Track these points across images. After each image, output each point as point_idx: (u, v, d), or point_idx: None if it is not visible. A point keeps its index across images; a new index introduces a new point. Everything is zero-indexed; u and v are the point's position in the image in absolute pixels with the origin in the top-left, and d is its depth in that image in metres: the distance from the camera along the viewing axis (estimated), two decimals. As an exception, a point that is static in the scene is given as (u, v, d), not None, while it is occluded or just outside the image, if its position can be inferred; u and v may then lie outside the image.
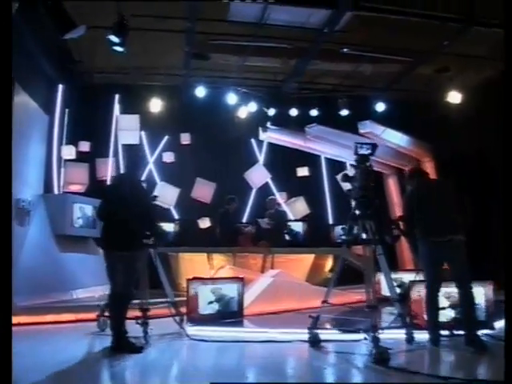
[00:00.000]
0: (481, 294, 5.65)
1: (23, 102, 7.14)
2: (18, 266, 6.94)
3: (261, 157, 12.39)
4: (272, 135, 11.42)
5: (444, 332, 5.37)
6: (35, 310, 6.59)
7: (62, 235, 8.18)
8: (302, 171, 12.11)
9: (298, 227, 11.55)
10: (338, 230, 11.66)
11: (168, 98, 11.10)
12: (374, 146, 5.15)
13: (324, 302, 5.40)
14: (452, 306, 5.64)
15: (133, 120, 10.50)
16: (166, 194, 11.18)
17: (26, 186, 7.50)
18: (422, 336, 5.32)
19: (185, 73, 10.79)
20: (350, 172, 5.35)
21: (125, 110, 11.10)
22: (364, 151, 5.12)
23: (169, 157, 11.72)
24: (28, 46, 7.56)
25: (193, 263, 9.04)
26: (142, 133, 11.36)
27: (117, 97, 11.14)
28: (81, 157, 10.14)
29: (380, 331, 4.67)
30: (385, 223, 5.42)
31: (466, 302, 5.13)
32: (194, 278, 8.50)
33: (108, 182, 5.78)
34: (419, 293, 5.73)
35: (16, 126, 6.58)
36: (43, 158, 8.40)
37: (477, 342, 4.88)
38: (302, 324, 5.59)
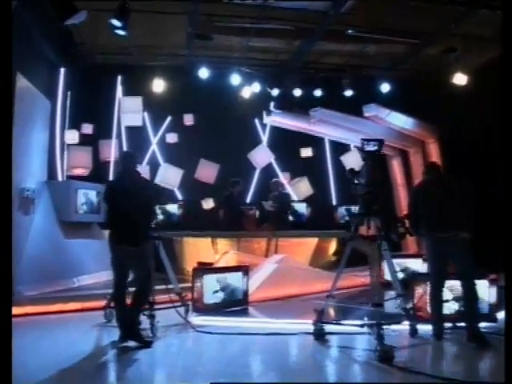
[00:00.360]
0: (484, 286, 5.68)
1: (24, 88, 7.06)
2: (24, 255, 7.02)
3: (264, 137, 12.34)
4: (276, 119, 11.36)
5: (447, 324, 5.45)
6: (42, 299, 6.66)
7: (66, 222, 8.20)
8: (306, 152, 12.07)
9: (302, 208, 11.61)
10: (342, 210, 11.75)
11: (171, 78, 10.96)
12: (380, 143, 5.10)
13: (328, 296, 5.43)
14: (455, 299, 5.70)
15: (136, 102, 10.41)
16: (170, 176, 11.19)
17: (30, 174, 7.48)
18: (425, 328, 5.40)
19: (188, 53, 10.65)
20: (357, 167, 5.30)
21: (127, 92, 11.01)
22: (371, 148, 5.08)
23: (172, 138, 11.68)
24: (28, 31, 7.44)
25: (197, 248, 9.10)
26: (145, 114, 11.33)
27: (119, 78, 11.01)
28: (84, 140, 10.11)
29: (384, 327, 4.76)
30: (391, 220, 5.37)
31: (469, 298, 5.17)
32: (199, 263, 8.67)
33: (108, 184, 5.69)
34: (423, 286, 5.75)
35: (18, 113, 6.64)
36: (46, 143, 8.36)
37: (479, 338, 4.93)
38: (306, 313, 5.72)
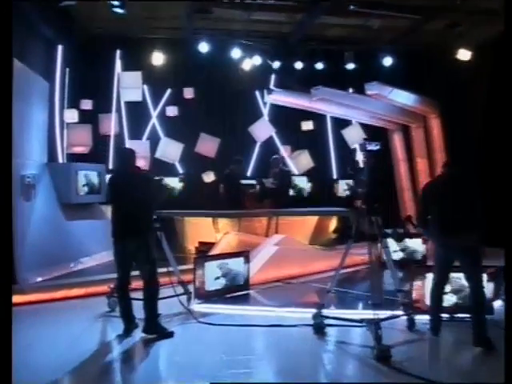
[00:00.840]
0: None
1: (20, 71, 6.94)
2: (27, 241, 7.08)
3: (265, 110, 12.23)
4: (276, 97, 11.29)
5: (445, 316, 5.58)
6: (46, 287, 6.77)
7: (67, 204, 8.25)
8: (307, 125, 12.00)
9: (302, 182, 11.65)
10: (342, 184, 11.79)
11: (170, 51, 10.81)
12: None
13: (328, 291, 5.52)
14: (454, 291, 5.78)
15: (135, 77, 10.28)
16: (170, 150, 11.18)
17: (30, 159, 7.45)
18: (422, 318, 5.52)
19: (187, 27, 10.42)
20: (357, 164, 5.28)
21: (126, 66, 10.85)
22: (372, 147, 5.06)
23: (172, 111, 11.58)
24: (23, 13, 7.27)
25: (198, 226, 9.17)
26: (145, 87, 11.19)
27: (118, 52, 10.81)
28: (83, 115, 10.02)
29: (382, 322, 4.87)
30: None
31: (475, 302, 5.08)
32: (200, 243, 8.78)
33: (108, 181, 5.67)
34: (421, 279, 5.82)
35: (15, 97, 6.55)
36: (45, 125, 8.26)
37: (486, 343, 4.89)
38: (306, 299, 5.98)
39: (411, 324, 5.47)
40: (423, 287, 5.79)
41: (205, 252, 8.45)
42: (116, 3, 7.39)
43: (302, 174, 11.64)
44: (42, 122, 8.10)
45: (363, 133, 11.47)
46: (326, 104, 10.56)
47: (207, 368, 4.49)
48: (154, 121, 11.65)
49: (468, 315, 5.29)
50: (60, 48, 9.16)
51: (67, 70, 9.53)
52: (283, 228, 9.19)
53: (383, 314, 5.12)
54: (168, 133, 11.51)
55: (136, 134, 11.34)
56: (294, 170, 11.74)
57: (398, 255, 8.83)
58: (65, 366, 4.49)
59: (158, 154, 11.06)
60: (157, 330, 5.22)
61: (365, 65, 11.05)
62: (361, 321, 5.12)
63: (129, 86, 10.13)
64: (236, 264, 6.94)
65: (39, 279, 7.07)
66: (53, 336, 5.36)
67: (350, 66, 11.07)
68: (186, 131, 11.38)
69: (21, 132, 6.96)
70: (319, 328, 5.41)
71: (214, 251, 8.17)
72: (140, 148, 10.69)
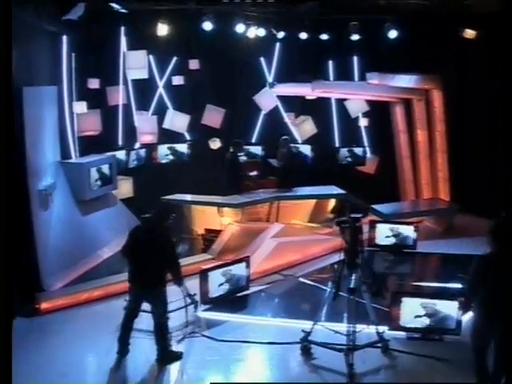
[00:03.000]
0: (454, 307, 6.44)
1: (31, 94, 7.29)
2: (48, 246, 7.79)
3: (270, 77, 12.33)
4: (278, 90, 11.49)
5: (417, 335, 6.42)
6: (70, 293, 7.58)
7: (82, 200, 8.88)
8: (311, 93, 12.14)
9: (306, 150, 12.08)
10: (344, 152, 12.22)
11: (175, 22, 10.72)
12: (366, 210, 5.59)
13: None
14: (427, 315, 6.52)
15: (140, 56, 10.35)
16: (177, 121, 11.55)
17: (45, 169, 7.95)
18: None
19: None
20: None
21: (131, 40, 10.84)
22: (356, 214, 5.57)
23: (178, 80, 11.75)
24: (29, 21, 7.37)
25: (204, 210, 9.82)
26: (150, 57, 11.28)
27: (122, 29, 10.78)
28: (91, 95, 10.26)
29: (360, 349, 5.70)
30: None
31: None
32: (206, 230, 9.52)
33: (130, 233, 6.07)
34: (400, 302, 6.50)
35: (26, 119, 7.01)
36: (56, 126, 8.67)
37: None
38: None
39: (385, 348, 6.20)
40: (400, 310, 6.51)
41: (211, 240, 9.25)
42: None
43: (306, 143, 12.02)
44: (54, 124, 8.49)
45: (365, 105, 11.75)
46: (328, 93, 10.68)
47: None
48: (161, 90, 11.85)
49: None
50: (65, 39, 9.22)
51: (73, 55, 9.64)
52: (284, 211, 9.86)
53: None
54: (175, 102, 11.77)
55: (143, 105, 11.60)
56: (298, 138, 12.13)
57: (390, 241, 9.61)
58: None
59: (165, 125, 11.45)
60: (169, 358, 5.99)
61: (369, 36, 10.98)
62: (339, 349, 5.93)
63: (134, 66, 10.23)
64: (238, 269, 7.68)
65: (63, 283, 7.86)
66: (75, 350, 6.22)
67: (355, 37, 10.99)
68: (192, 101, 11.65)
69: (33, 146, 7.42)
70: (306, 349, 6.25)
71: (219, 243, 8.95)
72: (147, 123, 11.19)
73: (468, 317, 6.70)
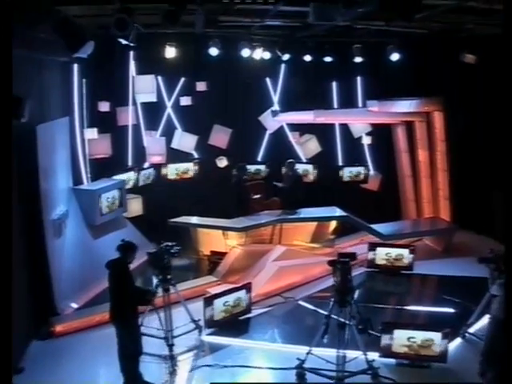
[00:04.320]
0: (438, 338, 6.79)
1: (44, 137, 7.72)
2: (63, 270, 8.27)
3: (275, 97, 12.68)
4: (281, 118, 11.92)
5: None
6: (83, 315, 8.05)
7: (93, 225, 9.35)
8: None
9: (309, 169, 12.42)
10: (347, 170, 12.54)
11: (182, 45, 11.10)
12: (353, 255, 6.01)
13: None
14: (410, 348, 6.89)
15: (149, 80, 10.81)
16: (185, 142, 11.99)
17: (59, 198, 8.44)
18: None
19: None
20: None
21: (140, 65, 11.24)
22: (343, 259, 5.98)
23: (186, 101, 12.13)
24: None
25: (210, 235, 10.25)
26: (159, 78, 11.70)
27: (131, 53, 11.18)
28: (102, 117, 10.68)
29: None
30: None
31: None
32: (212, 252, 9.94)
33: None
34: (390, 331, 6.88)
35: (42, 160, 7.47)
36: (69, 155, 9.13)
37: None
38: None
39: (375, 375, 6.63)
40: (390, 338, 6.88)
41: (216, 263, 9.68)
42: (119, 34, 7.70)
43: (308, 162, 12.38)
44: (66, 152, 8.95)
45: (368, 126, 12.08)
46: (329, 120, 11.03)
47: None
48: (169, 111, 12.25)
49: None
50: (75, 67, 9.66)
51: (84, 81, 10.08)
52: (287, 232, 10.24)
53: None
54: (182, 122, 12.17)
55: (152, 125, 12.01)
56: (302, 157, 12.51)
57: (387, 262, 9.98)
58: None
59: (173, 145, 11.89)
60: None
61: (373, 58, 11.30)
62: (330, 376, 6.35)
63: (143, 90, 10.70)
64: (240, 295, 8.10)
65: (76, 306, 8.33)
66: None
67: (358, 59, 11.32)
68: (199, 120, 12.06)
69: (47, 172, 7.87)
70: (301, 375, 6.66)
71: (223, 266, 9.39)
72: (156, 145, 11.63)
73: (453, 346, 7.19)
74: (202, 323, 7.66)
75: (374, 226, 10.64)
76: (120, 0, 7.24)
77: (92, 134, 9.91)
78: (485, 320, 7.25)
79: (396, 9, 4.10)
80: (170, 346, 7.01)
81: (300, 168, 11.97)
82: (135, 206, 11.13)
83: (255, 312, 8.39)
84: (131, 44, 8.94)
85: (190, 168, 12.19)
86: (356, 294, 8.94)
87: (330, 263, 6.17)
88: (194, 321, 7.59)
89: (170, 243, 7.04)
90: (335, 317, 6.30)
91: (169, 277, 7.06)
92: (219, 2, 8.05)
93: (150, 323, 7.10)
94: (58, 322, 7.77)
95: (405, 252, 9.86)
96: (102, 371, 6.98)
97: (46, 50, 8.04)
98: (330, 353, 6.46)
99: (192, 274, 9.78)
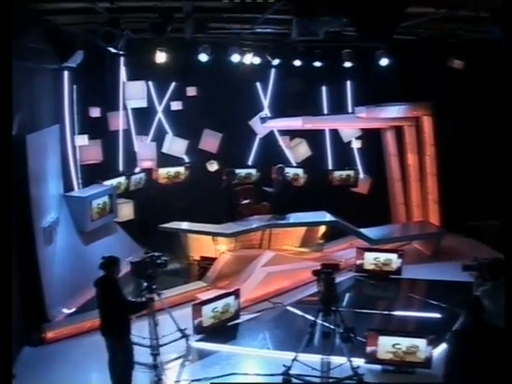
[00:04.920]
0: (423, 344, 6.91)
1: (34, 144, 7.76)
2: (53, 276, 8.32)
3: (266, 101, 12.77)
4: (270, 124, 11.99)
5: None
6: (74, 321, 8.11)
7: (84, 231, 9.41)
8: (305, 117, 12.57)
9: (299, 173, 12.51)
10: (337, 174, 12.64)
11: (172, 50, 11.15)
12: (336, 267, 6.12)
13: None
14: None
15: (139, 86, 10.87)
16: (176, 147, 12.07)
17: (49, 206, 8.49)
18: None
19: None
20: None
21: (131, 70, 11.30)
22: (327, 270, 6.09)
23: (177, 105, 12.20)
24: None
25: (200, 240, 10.33)
26: (149, 83, 11.75)
27: (122, 59, 11.24)
28: (93, 123, 10.73)
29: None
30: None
31: None
32: (202, 258, 10.03)
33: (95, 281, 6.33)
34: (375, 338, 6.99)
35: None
36: (59, 163, 9.19)
37: None
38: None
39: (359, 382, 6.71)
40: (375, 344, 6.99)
41: (205, 268, 9.78)
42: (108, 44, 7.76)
43: (298, 166, 12.48)
44: (56, 159, 9.02)
45: (357, 131, 12.19)
46: (318, 127, 11.13)
47: None
48: (160, 115, 12.31)
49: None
50: (66, 73, 9.71)
51: (74, 87, 10.14)
52: (276, 237, 10.35)
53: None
54: (173, 127, 12.24)
55: (143, 129, 12.07)
56: (292, 161, 12.61)
57: (375, 266, 10.09)
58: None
59: (164, 150, 11.97)
60: None
61: (362, 62, 11.40)
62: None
63: (134, 96, 10.76)
64: (228, 301, 8.20)
65: (68, 311, 8.40)
66: None
67: (348, 64, 11.41)
68: (190, 125, 12.13)
69: (38, 180, 7.92)
70: (287, 381, 6.76)
71: (213, 271, 9.48)
72: (147, 150, 11.70)
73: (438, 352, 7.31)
74: (189, 331, 7.71)
75: (363, 230, 10.75)
76: (108, 10, 7.35)
77: (82, 140, 9.97)
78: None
79: (372, 33, 4.18)
80: (155, 356, 6.89)
81: (290, 172, 12.12)
82: (126, 211, 11.20)
83: (244, 318, 8.49)
84: (120, 52, 9.00)
85: (181, 172, 12.28)
86: (345, 300, 9.25)
87: (314, 273, 6.27)
88: (180, 330, 7.59)
89: (156, 253, 6.94)
90: (321, 322, 6.44)
91: (154, 287, 6.92)
92: (207, 11, 8.15)
93: (137, 332, 7.12)
94: (50, 329, 7.84)
95: (393, 257, 9.96)
96: (93, 377, 7.04)
97: (37, 59, 8.10)
98: (316, 359, 6.58)
99: (182, 279, 9.82)
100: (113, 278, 6.20)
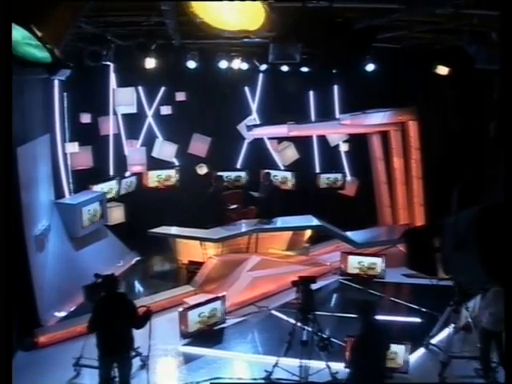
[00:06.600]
0: (402, 350, 7.18)
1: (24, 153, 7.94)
2: (45, 282, 8.53)
3: (254, 105, 12.96)
4: (256, 132, 12.19)
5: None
6: (65, 326, 8.31)
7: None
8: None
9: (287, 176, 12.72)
10: (324, 177, 12.87)
11: (161, 56, 11.30)
12: (313, 279, 6.38)
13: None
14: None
15: (129, 93, 11.05)
16: (165, 151, 12.27)
17: (41, 214, 8.71)
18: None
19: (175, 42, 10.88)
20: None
21: (120, 76, 11.46)
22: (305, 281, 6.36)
23: (166, 110, 12.39)
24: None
25: (188, 245, 10.57)
26: (139, 88, 11.93)
27: (111, 66, 11.38)
28: (83, 128, 10.92)
29: None
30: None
31: None
32: (190, 262, 10.28)
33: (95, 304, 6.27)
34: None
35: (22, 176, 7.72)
36: (50, 169, 9.38)
37: None
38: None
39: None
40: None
41: (193, 272, 10.02)
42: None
43: (286, 170, 12.70)
44: (47, 168, 9.21)
45: (344, 135, 12.41)
46: (303, 133, 11.35)
47: None
48: (150, 120, 12.50)
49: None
50: (56, 83, 9.87)
51: (65, 94, 10.31)
52: (263, 241, 10.58)
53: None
54: (163, 131, 12.43)
55: (133, 134, 12.26)
56: (280, 164, 12.83)
57: (359, 270, 10.34)
58: None
59: (154, 154, 12.17)
60: None
61: (348, 69, 11.55)
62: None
63: (123, 102, 10.95)
64: (214, 306, 8.45)
65: (59, 317, 8.61)
66: None
67: (334, 70, 11.59)
68: (179, 129, 12.33)
69: (29, 189, 8.11)
70: (269, 385, 7.07)
71: (200, 276, 9.72)
72: (136, 155, 11.90)
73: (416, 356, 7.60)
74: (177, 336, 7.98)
75: (349, 234, 11.00)
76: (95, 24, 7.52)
77: (73, 147, 10.17)
78: (447, 331, 7.66)
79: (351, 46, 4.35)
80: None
81: (279, 175, 12.35)
82: (117, 214, 11.40)
83: (229, 322, 8.74)
84: (109, 63, 9.17)
85: (171, 175, 12.48)
86: (327, 304, 9.52)
87: (293, 283, 6.53)
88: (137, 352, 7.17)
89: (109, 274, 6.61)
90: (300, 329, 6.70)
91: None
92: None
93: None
94: (42, 333, 8.03)
95: (378, 261, 10.20)
96: (85, 381, 7.25)
97: (26, 71, 8.27)
98: (298, 363, 6.83)
99: (171, 283, 10.07)
100: (122, 293, 6.33)
